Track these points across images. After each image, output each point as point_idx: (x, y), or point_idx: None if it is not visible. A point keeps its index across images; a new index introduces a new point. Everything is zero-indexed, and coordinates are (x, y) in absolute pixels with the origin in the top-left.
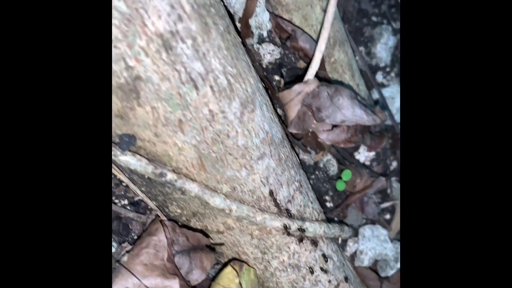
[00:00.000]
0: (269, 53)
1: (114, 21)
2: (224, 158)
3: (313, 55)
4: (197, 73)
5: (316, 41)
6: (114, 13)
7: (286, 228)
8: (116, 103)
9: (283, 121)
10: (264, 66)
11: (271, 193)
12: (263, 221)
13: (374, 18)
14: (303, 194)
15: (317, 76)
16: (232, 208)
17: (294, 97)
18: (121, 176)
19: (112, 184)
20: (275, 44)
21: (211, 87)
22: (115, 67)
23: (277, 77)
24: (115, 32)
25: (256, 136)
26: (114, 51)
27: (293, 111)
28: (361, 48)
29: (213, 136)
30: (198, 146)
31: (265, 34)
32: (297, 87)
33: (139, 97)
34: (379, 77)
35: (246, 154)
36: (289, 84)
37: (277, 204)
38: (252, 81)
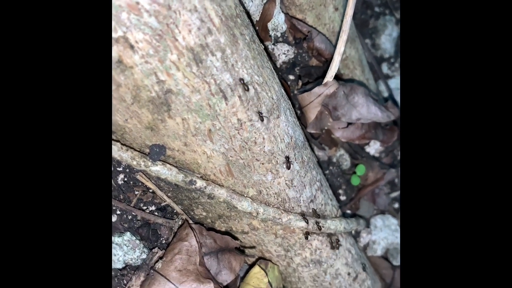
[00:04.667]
0: (284, 53)
1: (146, 37)
2: (251, 164)
3: (332, 58)
4: (226, 84)
5: (331, 41)
6: (145, 29)
7: (307, 234)
8: (147, 116)
9: (301, 121)
10: (279, 66)
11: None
12: (288, 222)
13: (377, 9)
14: (324, 192)
15: None
16: (259, 211)
17: (314, 99)
18: (148, 183)
19: (140, 191)
20: (289, 44)
21: (239, 97)
22: (146, 81)
23: (291, 77)
24: (146, 47)
25: (282, 141)
26: (145, 66)
27: (313, 112)
28: (367, 41)
29: (241, 143)
30: (226, 153)
31: (279, 35)
32: (317, 90)
33: (170, 110)
34: (384, 68)
35: (272, 159)
36: (305, 85)
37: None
38: (276, 88)
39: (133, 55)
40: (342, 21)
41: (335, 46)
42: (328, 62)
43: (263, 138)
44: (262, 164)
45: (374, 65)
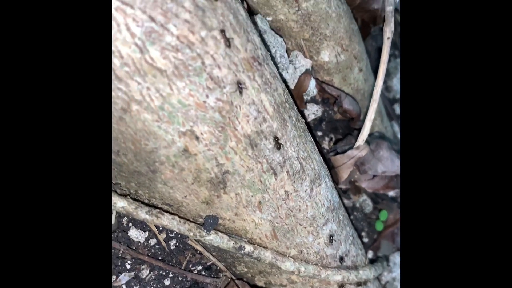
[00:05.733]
0: (314, 113)
1: (210, 129)
2: (294, 228)
3: (358, 116)
4: (276, 163)
5: (355, 98)
6: (210, 122)
7: (342, 286)
8: (205, 193)
9: (333, 178)
10: (306, 122)
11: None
12: (326, 277)
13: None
14: (355, 245)
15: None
16: (301, 270)
17: (347, 161)
18: (197, 246)
19: (189, 254)
20: (317, 103)
21: (287, 172)
22: (207, 165)
23: (319, 133)
24: (210, 137)
25: (322, 206)
26: (208, 153)
27: (346, 172)
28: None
29: (286, 211)
30: (273, 220)
31: (309, 97)
32: (349, 153)
33: (225, 187)
34: (396, 109)
35: (314, 222)
36: (335, 144)
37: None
38: (317, 158)
39: (198, 145)
40: (365, 80)
41: (367, 107)
42: (353, 119)
43: (307, 205)
44: (305, 228)
45: (388, 107)
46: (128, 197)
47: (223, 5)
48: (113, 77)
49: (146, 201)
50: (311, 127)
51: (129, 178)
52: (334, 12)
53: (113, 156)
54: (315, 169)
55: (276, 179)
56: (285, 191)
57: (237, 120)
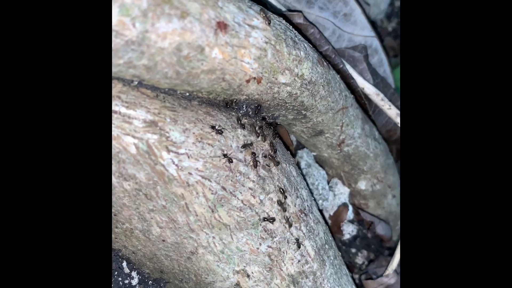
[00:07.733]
0: (349, 233)
1: (259, 269)
2: None
3: (390, 239)
4: None
5: (388, 221)
6: (260, 264)
7: None
8: None
9: None
10: (342, 240)
11: None
12: None
13: None
14: None
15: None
16: None
17: (377, 287)
18: None
19: None
20: (352, 223)
21: None
22: None
23: (353, 250)
24: (259, 275)
25: None
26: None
27: None
28: None
29: None
30: None
31: (346, 221)
32: (379, 280)
33: None
34: None
35: None
36: (367, 266)
37: None
38: None
39: (248, 281)
40: (397, 204)
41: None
42: (385, 242)
43: None
44: None
45: None
46: None
47: (278, 172)
48: (187, 228)
49: None
50: (344, 243)
51: None
52: (372, 153)
53: (176, 282)
54: None
55: None
56: None
57: (283, 263)
